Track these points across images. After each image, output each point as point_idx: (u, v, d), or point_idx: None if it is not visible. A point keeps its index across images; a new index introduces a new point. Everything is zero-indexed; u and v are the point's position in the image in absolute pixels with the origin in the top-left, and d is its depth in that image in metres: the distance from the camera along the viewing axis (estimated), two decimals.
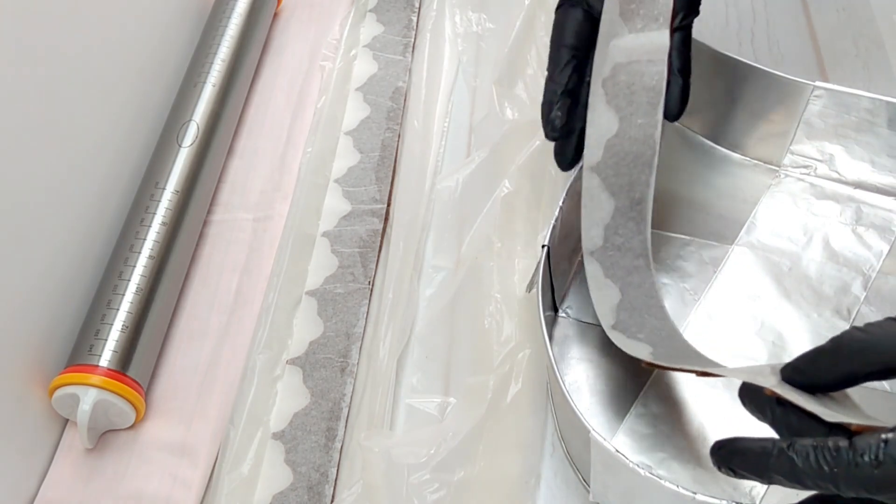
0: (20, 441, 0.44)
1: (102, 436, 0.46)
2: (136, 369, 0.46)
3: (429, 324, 0.50)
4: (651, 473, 0.37)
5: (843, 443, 0.30)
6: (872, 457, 0.29)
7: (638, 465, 0.37)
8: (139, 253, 0.49)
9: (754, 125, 0.54)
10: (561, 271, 0.49)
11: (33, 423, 0.45)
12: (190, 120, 0.55)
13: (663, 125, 0.44)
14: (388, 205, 0.56)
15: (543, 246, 0.45)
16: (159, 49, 0.59)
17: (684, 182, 0.55)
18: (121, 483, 0.44)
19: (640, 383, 0.46)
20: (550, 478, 0.44)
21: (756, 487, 0.42)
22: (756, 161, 0.55)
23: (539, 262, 0.45)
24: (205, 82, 0.57)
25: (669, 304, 0.48)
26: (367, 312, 0.51)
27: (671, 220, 0.53)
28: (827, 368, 0.34)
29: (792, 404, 0.33)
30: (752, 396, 0.35)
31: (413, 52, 0.65)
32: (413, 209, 0.54)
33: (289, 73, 0.64)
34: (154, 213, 0.50)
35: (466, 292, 0.51)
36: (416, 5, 0.68)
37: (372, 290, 0.52)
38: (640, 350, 0.43)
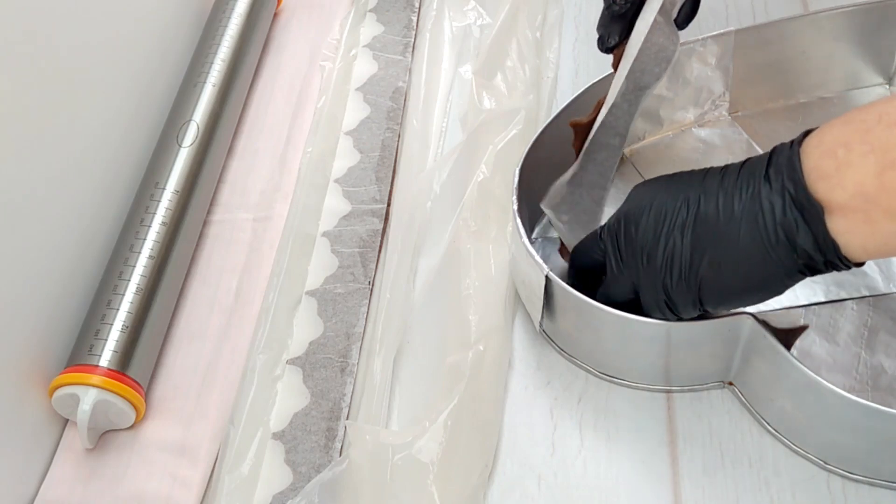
0: (20, 441, 0.44)
1: (102, 436, 0.46)
2: (136, 369, 0.46)
3: (416, 310, 0.51)
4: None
5: None
6: None
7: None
8: (139, 253, 0.49)
9: None
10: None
11: (33, 423, 0.45)
12: (190, 120, 0.55)
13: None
14: (388, 205, 0.56)
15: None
16: (159, 49, 0.59)
17: None
18: (121, 483, 0.45)
19: None
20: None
21: None
22: None
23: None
24: (205, 82, 0.57)
25: None
26: (367, 312, 0.51)
27: None
28: None
29: None
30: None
31: (413, 52, 0.65)
32: (412, 209, 0.54)
33: (289, 73, 0.64)
34: (154, 213, 0.51)
35: (448, 276, 0.51)
36: (416, 5, 0.68)
37: (372, 290, 0.52)
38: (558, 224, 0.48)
